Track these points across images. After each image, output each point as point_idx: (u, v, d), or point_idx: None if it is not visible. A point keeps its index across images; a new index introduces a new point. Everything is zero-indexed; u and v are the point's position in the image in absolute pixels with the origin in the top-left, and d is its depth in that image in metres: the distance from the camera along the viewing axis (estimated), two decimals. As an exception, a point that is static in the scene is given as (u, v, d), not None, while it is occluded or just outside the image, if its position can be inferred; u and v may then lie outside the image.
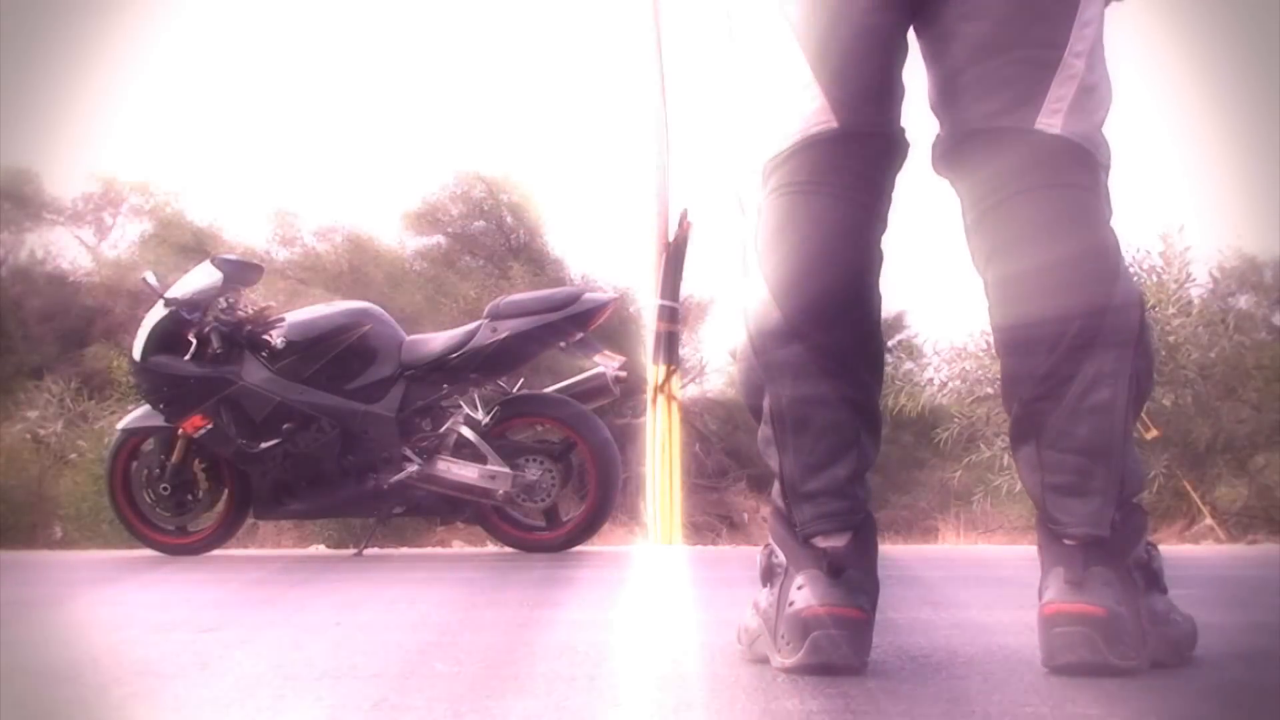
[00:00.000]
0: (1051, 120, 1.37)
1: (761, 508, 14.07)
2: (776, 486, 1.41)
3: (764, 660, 1.39)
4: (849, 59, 1.40)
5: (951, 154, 1.45)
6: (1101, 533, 1.31)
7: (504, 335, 4.25)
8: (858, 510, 1.37)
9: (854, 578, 1.32)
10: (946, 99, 1.44)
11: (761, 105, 1.44)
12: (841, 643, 1.29)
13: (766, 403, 1.41)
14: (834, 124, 1.40)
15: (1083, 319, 1.32)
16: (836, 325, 1.38)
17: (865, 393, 1.40)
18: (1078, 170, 1.38)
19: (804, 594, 1.31)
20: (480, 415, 4.37)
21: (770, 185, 1.43)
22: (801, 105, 1.41)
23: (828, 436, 1.36)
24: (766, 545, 1.43)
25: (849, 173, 1.41)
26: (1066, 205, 1.37)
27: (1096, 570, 1.29)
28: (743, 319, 1.43)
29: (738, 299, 1.47)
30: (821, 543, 1.34)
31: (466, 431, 4.29)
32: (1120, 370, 1.32)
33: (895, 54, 1.44)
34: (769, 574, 1.40)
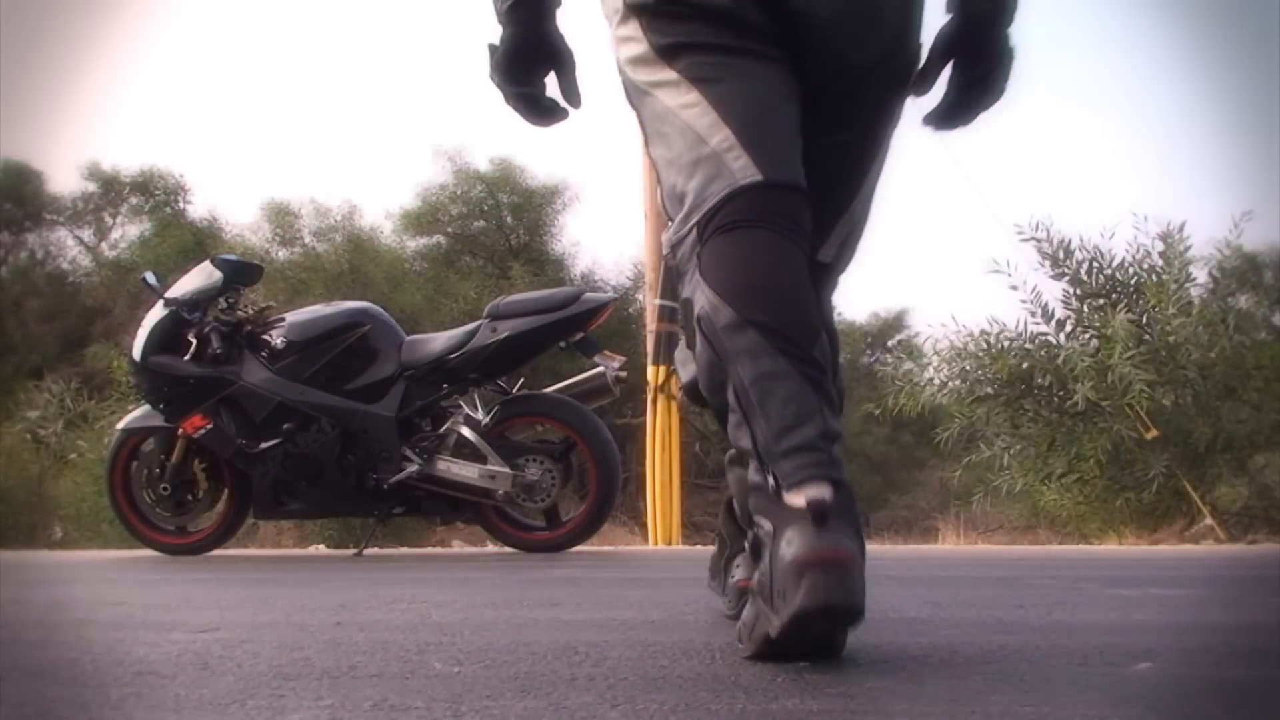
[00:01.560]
0: (826, 251, 1.70)
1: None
2: (752, 464, 1.45)
3: (765, 652, 1.41)
4: (767, 127, 1.58)
5: None
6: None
7: (504, 335, 4.25)
8: (835, 465, 1.40)
9: (839, 524, 1.34)
10: None
11: (692, 176, 1.57)
12: (835, 584, 1.31)
13: (731, 392, 1.50)
14: (759, 176, 1.54)
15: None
16: (784, 313, 1.49)
17: (819, 372, 1.47)
18: (827, 281, 1.74)
19: (793, 546, 1.33)
20: (480, 415, 4.36)
21: (706, 235, 1.55)
22: (729, 164, 1.54)
23: (792, 404, 1.44)
24: (751, 527, 1.46)
25: (777, 215, 1.54)
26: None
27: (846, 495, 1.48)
28: (698, 328, 1.56)
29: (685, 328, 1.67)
30: (802, 499, 1.36)
31: (466, 431, 4.29)
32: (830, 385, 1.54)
33: (788, 88, 1.61)
34: (758, 547, 1.43)
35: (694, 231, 1.56)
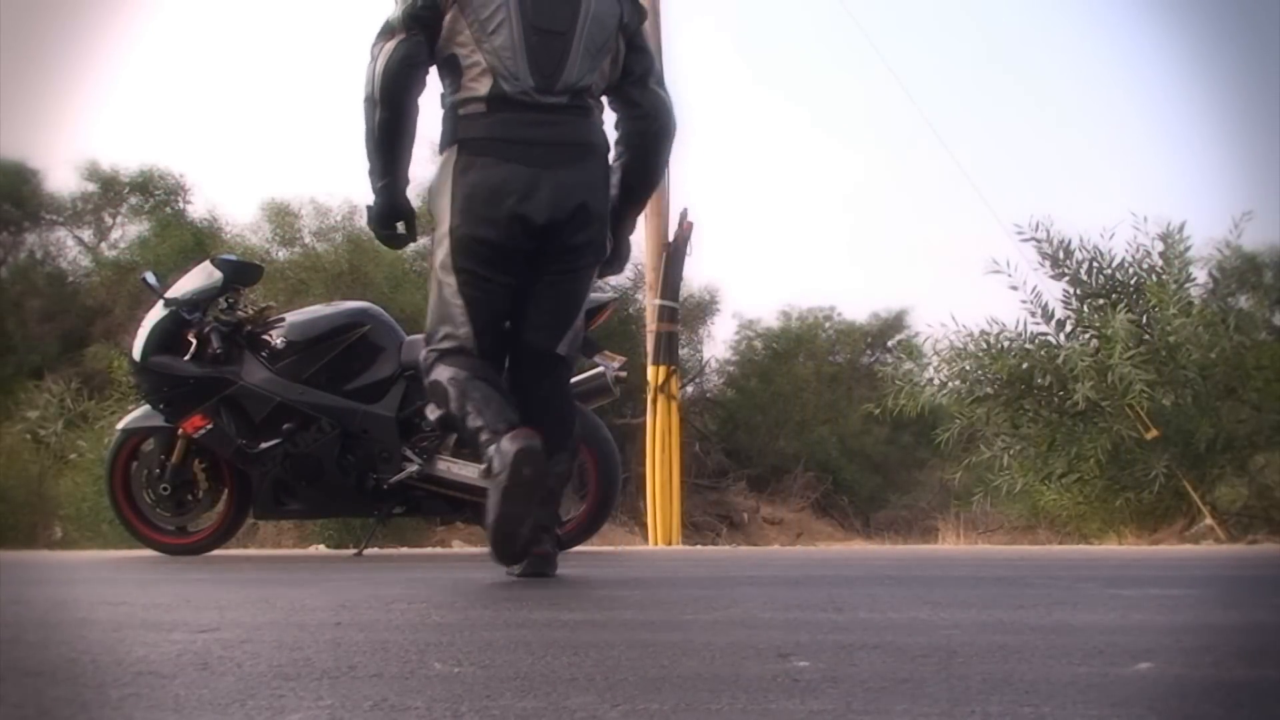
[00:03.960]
0: (562, 347, 2.96)
1: (762, 507, 14.06)
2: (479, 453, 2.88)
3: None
4: (488, 330, 2.89)
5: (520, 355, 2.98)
6: (550, 524, 2.98)
7: (504, 335, 4.24)
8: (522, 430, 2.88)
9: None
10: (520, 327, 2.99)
11: (446, 335, 2.89)
12: (544, 564, 2.92)
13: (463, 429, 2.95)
14: (471, 345, 2.88)
15: (561, 437, 2.92)
16: (490, 407, 2.84)
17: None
18: (567, 371, 3.05)
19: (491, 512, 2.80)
20: (480, 415, 4.35)
21: (443, 362, 2.89)
22: (459, 331, 2.87)
23: (492, 409, 2.86)
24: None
25: (483, 368, 2.89)
26: (561, 386, 3.03)
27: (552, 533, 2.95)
28: (437, 398, 2.95)
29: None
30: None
31: (466, 431, 4.28)
32: (569, 461, 3.03)
33: (509, 304, 2.92)
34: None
35: (443, 353, 2.89)
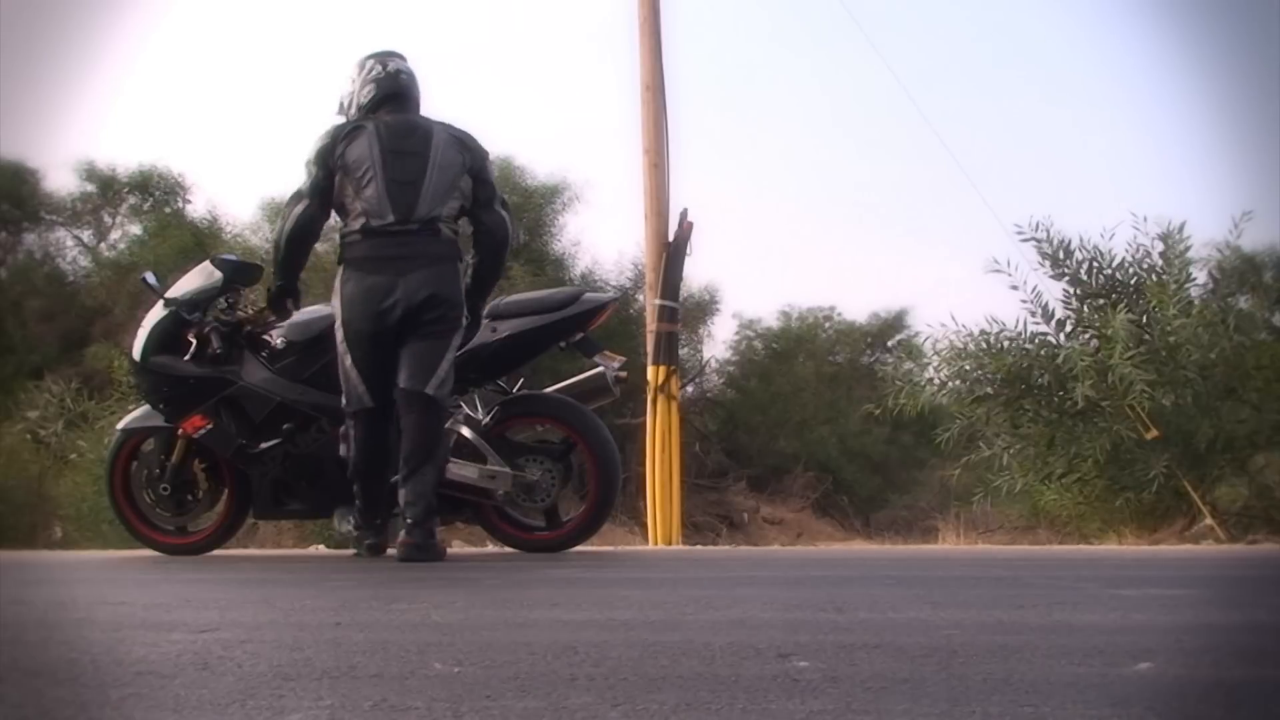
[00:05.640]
0: (430, 387, 3.80)
1: (762, 507, 14.07)
2: (358, 507, 4.04)
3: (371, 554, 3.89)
4: (377, 378, 3.84)
5: (401, 398, 3.86)
6: (427, 518, 3.76)
7: (504, 335, 4.23)
8: (378, 531, 4.04)
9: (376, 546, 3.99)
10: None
11: (353, 391, 3.87)
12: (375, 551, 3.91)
13: (357, 489, 4.00)
14: (372, 405, 3.84)
15: (427, 450, 3.80)
16: (373, 478, 3.95)
17: (382, 486, 3.96)
18: (438, 409, 3.86)
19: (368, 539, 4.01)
20: (480, 415, 4.36)
21: (355, 419, 3.89)
22: (364, 400, 3.85)
23: (373, 501, 3.99)
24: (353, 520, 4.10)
25: (380, 419, 3.86)
26: (433, 421, 3.86)
27: (427, 527, 3.75)
28: (352, 467, 3.96)
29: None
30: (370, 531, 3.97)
31: (466, 431, 4.28)
32: (433, 471, 3.83)
33: (389, 365, 3.83)
34: (359, 527, 4.07)
35: (354, 415, 3.88)
